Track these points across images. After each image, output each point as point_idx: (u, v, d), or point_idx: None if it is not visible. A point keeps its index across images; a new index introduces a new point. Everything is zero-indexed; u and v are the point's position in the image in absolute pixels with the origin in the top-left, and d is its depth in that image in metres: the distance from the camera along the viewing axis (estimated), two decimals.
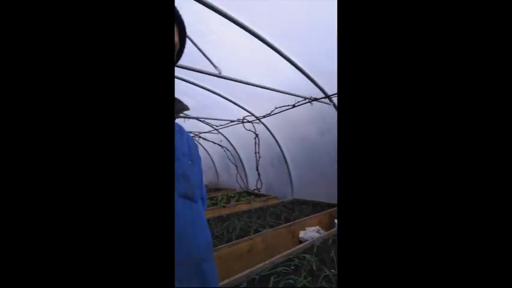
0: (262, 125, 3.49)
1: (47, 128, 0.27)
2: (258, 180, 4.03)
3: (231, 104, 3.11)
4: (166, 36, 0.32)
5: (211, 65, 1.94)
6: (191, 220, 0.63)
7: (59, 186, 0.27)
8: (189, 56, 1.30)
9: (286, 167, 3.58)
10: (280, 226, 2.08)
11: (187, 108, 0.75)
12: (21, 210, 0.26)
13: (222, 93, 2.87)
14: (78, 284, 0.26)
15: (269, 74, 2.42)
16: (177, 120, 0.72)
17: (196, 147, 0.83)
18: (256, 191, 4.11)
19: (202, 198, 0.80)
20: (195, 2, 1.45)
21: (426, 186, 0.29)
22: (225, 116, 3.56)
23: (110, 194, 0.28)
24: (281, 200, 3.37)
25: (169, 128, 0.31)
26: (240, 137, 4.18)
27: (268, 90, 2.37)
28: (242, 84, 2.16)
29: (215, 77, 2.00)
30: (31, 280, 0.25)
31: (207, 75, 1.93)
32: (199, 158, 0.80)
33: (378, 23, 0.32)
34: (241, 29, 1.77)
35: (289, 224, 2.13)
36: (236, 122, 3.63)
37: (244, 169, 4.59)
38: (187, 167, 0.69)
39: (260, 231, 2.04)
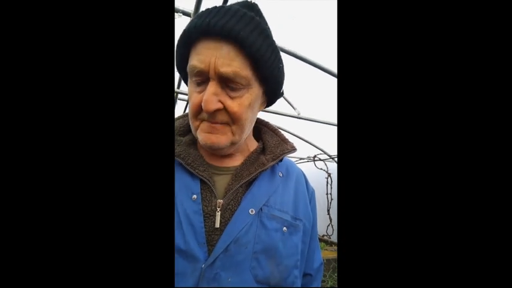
0: (336, 163, 3.20)
1: (41, 141, 0.27)
2: (329, 225, 3.59)
3: (301, 140, 2.99)
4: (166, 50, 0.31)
5: (290, 106, 1.90)
6: None
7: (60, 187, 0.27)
8: None
9: None
10: None
11: (293, 149, 0.54)
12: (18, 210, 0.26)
13: (296, 133, 2.79)
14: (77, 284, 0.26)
15: None
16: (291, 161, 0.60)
17: (311, 202, 0.56)
18: (326, 238, 3.65)
19: None
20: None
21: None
22: (294, 153, 3.44)
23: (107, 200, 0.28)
24: None
25: (169, 132, 0.31)
26: (308, 176, 3.93)
27: None
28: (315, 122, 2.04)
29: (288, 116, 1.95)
30: (30, 278, 0.25)
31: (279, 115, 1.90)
32: (310, 220, 0.53)
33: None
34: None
35: None
36: (306, 160, 3.46)
37: None
38: (276, 236, 0.44)
39: None
